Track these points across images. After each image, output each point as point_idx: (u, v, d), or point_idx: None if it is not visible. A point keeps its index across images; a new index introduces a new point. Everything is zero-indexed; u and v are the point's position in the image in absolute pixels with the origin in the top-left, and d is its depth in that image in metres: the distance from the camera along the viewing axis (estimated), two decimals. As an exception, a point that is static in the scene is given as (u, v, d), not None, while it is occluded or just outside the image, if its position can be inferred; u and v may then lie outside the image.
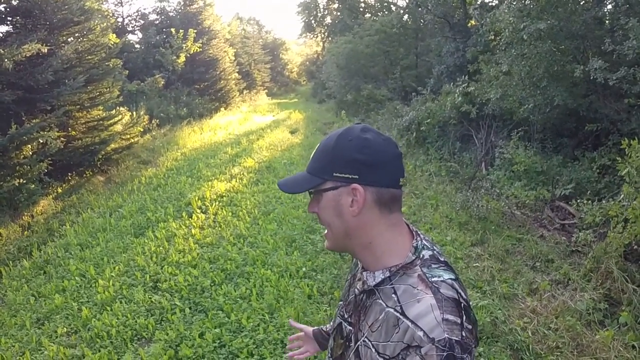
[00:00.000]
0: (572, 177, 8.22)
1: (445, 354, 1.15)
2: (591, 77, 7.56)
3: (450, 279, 1.30)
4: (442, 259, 1.38)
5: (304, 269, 6.25)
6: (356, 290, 1.46)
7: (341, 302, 1.60)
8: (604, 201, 6.35)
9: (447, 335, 1.16)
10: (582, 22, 8.29)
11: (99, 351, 4.72)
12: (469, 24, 12.93)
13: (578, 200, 7.00)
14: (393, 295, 1.31)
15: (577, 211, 7.15)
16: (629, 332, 4.47)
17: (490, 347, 4.50)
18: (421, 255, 1.36)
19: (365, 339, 1.36)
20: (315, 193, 1.40)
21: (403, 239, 1.39)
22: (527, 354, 4.34)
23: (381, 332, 1.30)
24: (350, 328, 1.46)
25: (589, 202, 6.68)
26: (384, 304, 1.33)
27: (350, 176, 1.33)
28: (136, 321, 5.22)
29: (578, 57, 8.49)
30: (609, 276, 5.19)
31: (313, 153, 1.43)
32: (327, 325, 2.05)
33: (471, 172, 10.25)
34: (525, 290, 5.51)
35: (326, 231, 1.43)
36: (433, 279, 1.29)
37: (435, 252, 1.39)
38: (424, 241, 1.40)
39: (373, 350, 1.31)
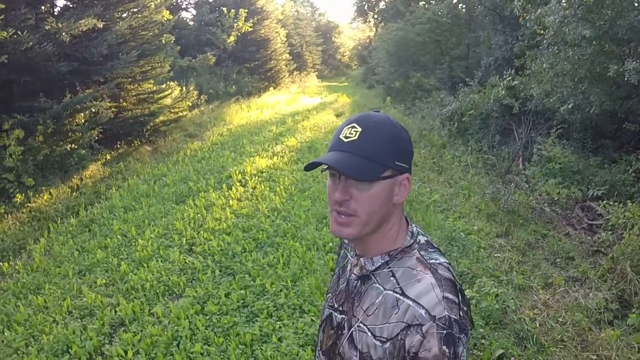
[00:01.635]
0: (606, 179, 8.21)
1: (445, 332, 1.21)
2: (626, 78, 7.59)
3: (446, 262, 1.36)
4: (435, 245, 1.44)
5: (330, 244, 6.50)
6: (353, 276, 1.47)
7: (329, 294, 1.61)
8: (631, 204, 6.40)
9: (447, 313, 1.22)
10: (628, 25, 8.23)
11: (133, 301, 5.15)
12: (520, 18, 12.93)
13: (604, 202, 7.06)
14: (391, 278, 1.36)
15: (605, 212, 7.18)
16: (636, 333, 4.54)
17: (496, 331, 4.65)
18: (418, 240, 1.42)
19: (360, 324, 1.39)
20: (370, 180, 1.32)
21: (404, 223, 1.46)
22: (531, 343, 4.45)
23: (378, 315, 1.34)
24: (343, 316, 1.47)
25: (615, 203, 6.73)
26: (382, 287, 1.37)
27: (405, 165, 1.37)
28: (169, 278, 5.64)
29: (623, 59, 8.45)
30: (624, 277, 5.26)
31: (360, 135, 1.34)
32: None
33: (507, 165, 10.35)
34: (541, 283, 5.59)
35: (347, 218, 1.35)
36: (431, 261, 1.35)
37: (428, 238, 1.45)
38: (417, 228, 1.47)
39: (369, 334, 1.35)
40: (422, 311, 1.24)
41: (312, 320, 4.74)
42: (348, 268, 1.53)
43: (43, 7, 10.69)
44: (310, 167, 1.37)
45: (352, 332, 1.41)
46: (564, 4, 8.93)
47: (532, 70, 10.71)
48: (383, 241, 1.41)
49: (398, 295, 1.31)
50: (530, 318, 4.84)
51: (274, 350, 4.28)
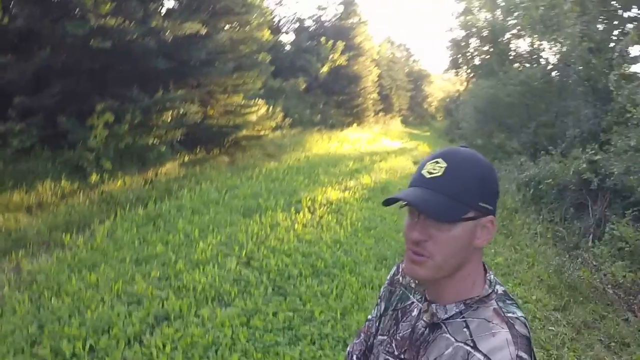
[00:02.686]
0: (678, 269, 7.86)
1: None
2: None
3: (523, 317, 1.26)
4: (512, 297, 1.33)
5: (386, 284, 6.40)
6: (421, 322, 1.37)
7: (384, 337, 1.49)
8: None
9: None
10: None
11: (182, 299, 5.16)
12: (613, 93, 12.67)
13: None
14: (465, 330, 1.25)
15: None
16: None
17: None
18: (496, 290, 1.32)
19: None
20: (451, 221, 1.24)
21: (482, 270, 1.35)
22: None
23: None
24: None
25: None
26: (453, 339, 1.26)
27: (490, 207, 1.27)
28: (222, 285, 5.63)
29: None
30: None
31: (445, 171, 1.26)
32: None
33: (577, 240, 10.03)
34: (591, 364, 5.39)
35: (422, 257, 1.27)
36: (508, 315, 1.25)
37: (505, 288, 1.34)
38: (494, 276, 1.36)
39: None
40: None
41: (355, 356, 4.63)
42: (414, 313, 1.43)
43: (152, 5, 11.06)
44: (389, 202, 1.32)
45: None
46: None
47: (617, 146, 10.41)
48: (459, 287, 1.30)
49: (469, 349, 1.20)
50: (577, 399, 4.63)
51: (310, 378, 4.20)
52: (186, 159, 11.68)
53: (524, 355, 1.15)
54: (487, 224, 1.26)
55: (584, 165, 11.58)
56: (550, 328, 6.13)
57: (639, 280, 7.68)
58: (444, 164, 1.25)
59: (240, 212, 8.62)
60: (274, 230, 7.87)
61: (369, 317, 1.70)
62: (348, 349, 1.72)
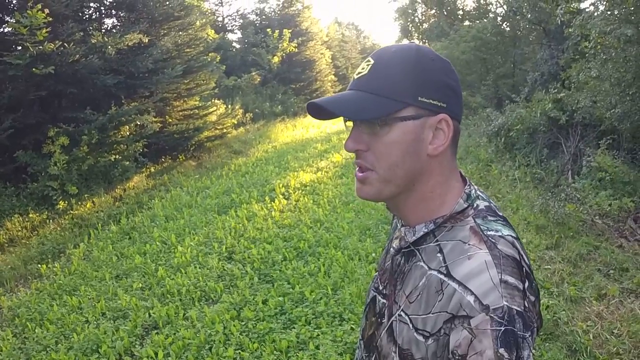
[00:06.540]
0: (661, 190, 7.90)
1: (502, 328, 0.89)
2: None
3: (511, 236, 1.03)
4: (500, 214, 1.10)
5: (373, 254, 6.32)
6: (392, 250, 1.20)
7: (377, 274, 1.31)
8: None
9: (505, 303, 0.91)
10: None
11: (168, 305, 5.08)
12: (566, 32, 12.74)
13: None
14: (438, 255, 1.05)
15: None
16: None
17: (547, 343, 4.43)
18: (475, 205, 1.09)
19: (401, 313, 1.09)
20: (384, 121, 1.05)
21: (458, 185, 1.13)
22: (585, 356, 4.21)
23: (421, 303, 1.04)
24: (384, 301, 1.18)
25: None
26: (426, 267, 1.06)
27: (440, 104, 1.05)
28: (206, 284, 5.55)
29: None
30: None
31: (371, 68, 1.08)
32: None
33: (556, 179, 10.06)
34: (594, 295, 5.32)
35: (365, 173, 1.09)
36: (489, 233, 1.02)
37: (492, 204, 1.12)
38: (478, 191, 1.14)
39: (410, 325, 1.05)
40: (471, 298, 0.92)
41: (351, 328, 4.56)
42: (395, 236, 1.22)
43: (90, 24, 10.92)
44: (311, 111, 1.14)
45: (391, 322, 1.11)
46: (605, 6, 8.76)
47: (579, 79, 10.47)
48: (424, 206, 1.10)
49: (442, 277, 1.00)
50: (583, 330, 4.57)
51: (310, 358, 4.12)
52: (152, 170, 11.58)
53: (511, 280, 0.94)
54: (438, 124, 1.05)
55: (550, 105, 11.64)
56: (546, 267, 6.10)
57: (625, 206, 7.69)
58: (372, 61, 1.08)
59: (215, 211, 8.53)
60: (252, 222, 7.78)
61: None
62: None
